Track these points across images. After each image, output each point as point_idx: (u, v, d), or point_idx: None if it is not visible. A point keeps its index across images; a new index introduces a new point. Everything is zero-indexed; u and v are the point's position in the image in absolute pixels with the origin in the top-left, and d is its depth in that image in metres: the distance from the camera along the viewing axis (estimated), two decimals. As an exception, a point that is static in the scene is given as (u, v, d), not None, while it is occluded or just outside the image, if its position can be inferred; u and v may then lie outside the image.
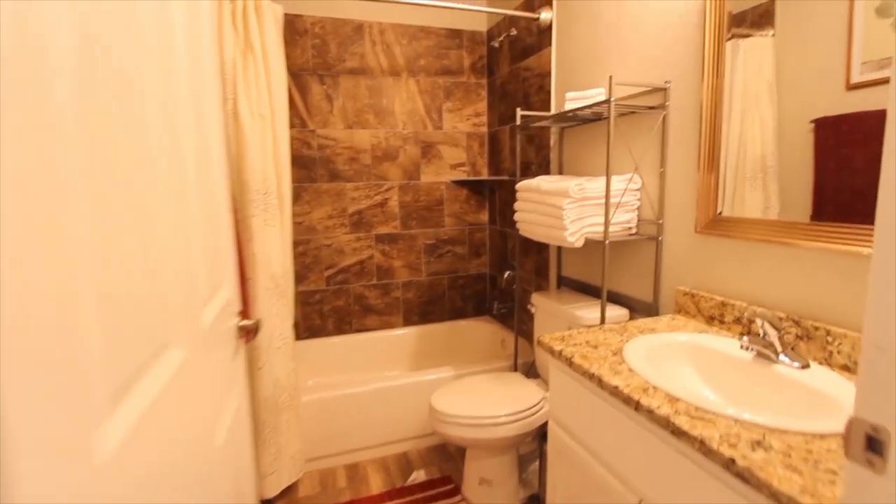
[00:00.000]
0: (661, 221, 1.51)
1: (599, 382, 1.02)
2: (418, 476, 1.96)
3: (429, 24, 2.61)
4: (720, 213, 1.32)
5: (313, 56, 2.40)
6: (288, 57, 2.36)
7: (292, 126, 2.41)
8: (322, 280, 2.57)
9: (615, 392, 0.97)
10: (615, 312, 1.63)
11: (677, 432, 0.81)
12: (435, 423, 1.67)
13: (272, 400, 1.65)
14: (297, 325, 2.53)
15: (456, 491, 1.85)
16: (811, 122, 0.99)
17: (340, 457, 2.07)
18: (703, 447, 0.76)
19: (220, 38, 1.53)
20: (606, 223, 1.43)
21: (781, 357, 1.03)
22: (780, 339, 1.04)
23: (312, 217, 2.51)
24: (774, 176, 1.15)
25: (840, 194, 0.99)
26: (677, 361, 1.17)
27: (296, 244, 2.49)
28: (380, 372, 2.69)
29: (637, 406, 0.91)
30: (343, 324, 2.65)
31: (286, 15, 2.33)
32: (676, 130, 1.44)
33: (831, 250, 1.03)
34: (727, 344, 1.15)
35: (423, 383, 2.13)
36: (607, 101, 1.41)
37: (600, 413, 1.05)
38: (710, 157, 1.31)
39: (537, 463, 1.89)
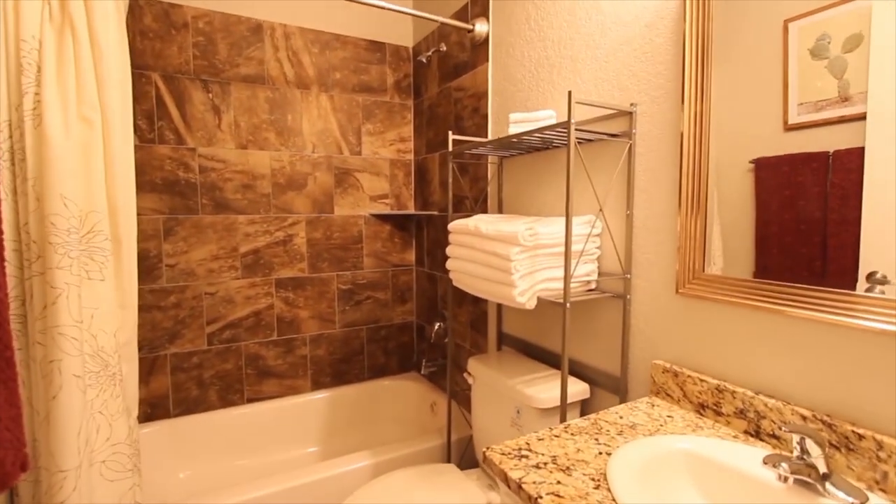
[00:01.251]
0: (628, 276, 1.21)
1: (588, 554, 0.64)
2: None
3: (345, 32, 2.23)
4: (704, 270, 1.03)
5: (195, 56, 1.92)
6: (158, 54, 1.85)
7: (163, 142, 1.88)
8: (202, 339, 2.01)
9: (617, 579, 0.59)
10: (575, 388, 1.29)
11: None
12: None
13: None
14: (159, 403, 1.93)
15: None
16: (750, 161, 0.93)
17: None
18: None
19: (15, 2, 1.03)
20: (567, 279, 1.09)
21: (830, 488, 0.71)
22: (826, 458, 0.73)
23: (190, 258, 1.96)
24: (716, 220, 0.99)
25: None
26: (684, 491, 0.83)
27: (166, 293, 1.92)
28: (281, 453, 2.14)
29: None
30: (231, 393, 2.08)
31: (160, 3, 1.84)
32: (646, 164, 1.16)
33: (827, 323, 0.75)
34: (742, 456, 0.83)
35: (330, 480, 1.63)
36: (565, 124, 1.10)
37: None
38: (696, 197, 1.03)
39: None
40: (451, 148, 1.60)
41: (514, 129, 1.33)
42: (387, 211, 2.37)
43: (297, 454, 2.17)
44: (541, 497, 0.73)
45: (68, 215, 1.06)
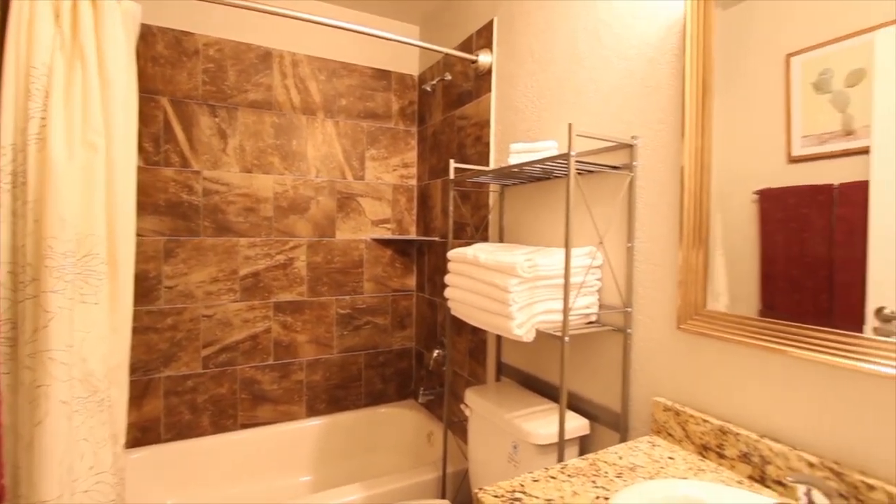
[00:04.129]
0: (629, 310, 1.18)
1: None
2: None
3: (352, 60, 2.28)
4: (706, 307, 1.01)
5: (204, 83, 1.95)
6: (169, 79, 1.89)
7: (169, 164, 1.90)
8: (198, 361, 1.98)
9: None
10: (574, 423, 1.25)
11: None
12: None
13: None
14: (150, 427, 1.90)
15: None
16: (754, 192, 0.92)
17: None
18: None
19: (29, 32, 1.06)
20: (566, 311, 1.07)
21: (841, 544, 0.67)
22: (835, 512, 0.69)
23: (190, 280, 1.95)
24: (720, 252, 0.97)
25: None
26: (684, 540, 0.79)
27: (163, 315, 1.91)
28: (273, 481, 2.09)
29: None
30: (224, 418, 2.04)
31: (172, 31, 1.89)
32: (647, 196, 1.15)
33: (834, 365, 0.73)
34: (745, 502, 0.79)
35: (320, 512, 1.58)
36: (565, 155, 1.10)
37: None
38: (697, 231, 1.02)
39: None
40: (452, 175, 1.61)
41: (514, 159, 1.33)
42: (388, 236, 2.37)
43: (289, 483, 2.11)
44: (533, 546, 0.70)
45: (66, 238, 1.06)
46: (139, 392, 1.87)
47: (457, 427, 2.01)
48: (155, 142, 1.88)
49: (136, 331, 1.86)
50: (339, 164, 2.26)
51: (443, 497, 1.76)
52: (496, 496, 0.83)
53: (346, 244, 2.28)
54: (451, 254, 1.41)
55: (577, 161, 1.14)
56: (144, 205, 1.86)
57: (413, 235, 2.44)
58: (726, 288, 0.97)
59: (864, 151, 0.76)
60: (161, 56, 1.88)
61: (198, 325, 1.97)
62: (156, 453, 1.88)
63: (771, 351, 0.88)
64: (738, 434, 0.92)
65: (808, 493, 0.71)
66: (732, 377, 0.96)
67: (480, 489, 0.85)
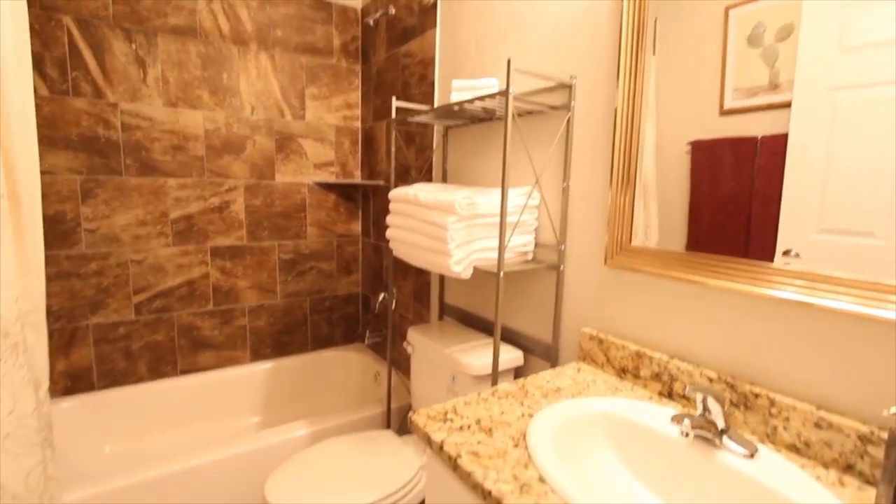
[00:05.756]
0: (563, 247, 1.24)
1: (500, 509, 0.66)
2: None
3: (287, -14, 2.10)
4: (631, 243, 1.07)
5: (115, 2, 1.74)
6: (72, -4, 1.67)
7: (79, 94, 1.71)
8: (129, 308, 1.89)
9: (524, 530, 0.62)
10: (509, 355, 1.32)
11: None
12: (270, 523, 1.19)
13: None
14: (81, 376, 1.82)
15: None
16: (687, 143, 0.95)
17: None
18: None
19: None
20: (501, 249, 1.10)
21: (726, 441, 0.77)
22: (725, 414, 0.78)
23: (114, 223, 1.82)
24: (654, 197, 1.00)
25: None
26: (600, 447, 0.87)
27: (86, 260, 1.78)
28: (219, 424, 2.09)
29: (560, 564, 0.56)
30: (162, 364, 1.99)
31: (70, -64, 1.64)
32: (583, 137, 1.18)
33: (742, 292, 0.81)
34: (653, 415, 0.88)
35: (268, 450, 1.61)
36: (503, 93, 1.09)
37: (499, 548, 0.70)
38: (626, 173, 1.06)
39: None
40: (394, 115, 1.56)
41: (455, 97, 1.30)
42: (332, 179, 2.30)
43: (238, 424, 2.13)
44: (460, 456, 0.75)
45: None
46: (65, 341, 1.78)
47: (402, 365, 2.08)
48: (60, 67, 1.67)
49: (57, 276, 1.74)
50: (277, 101, 2.12)
51: (387, 429, 1.84)
52: (429, 417, 0.87)
53: (287, 187, 2.19)
54: (392, 193, 1.39)
55: (515, 99, 1.13)
56: (54, 139, 1.68)
57: (358, 179, 2.38)
58: (657, 228, 1.03)
59: (787, 105, 0.80)
60: (60, -34, 1.64)
61: (126, 271, 1.87)
62: (90, 401, 1.82)
63: (688, 282, 0.96)
64: (651, 357, 1.01)
65: (704, 401, 0.80)
66: (652, 307, 1.04)
67: (414, 412, 0.90)
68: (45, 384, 1.22)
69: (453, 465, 0.75)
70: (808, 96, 0.77)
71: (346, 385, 2.36)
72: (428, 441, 0.82)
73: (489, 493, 0.68)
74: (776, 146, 0.82)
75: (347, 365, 2.37)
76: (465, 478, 0.73)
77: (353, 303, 2.48)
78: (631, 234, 1.07)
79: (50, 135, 1.67)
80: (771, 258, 0.83)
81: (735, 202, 0.88)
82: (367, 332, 2.27)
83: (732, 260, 0.88)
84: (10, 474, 1.07)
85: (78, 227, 1.76)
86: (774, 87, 0.82)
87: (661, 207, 1.02)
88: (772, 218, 0.83)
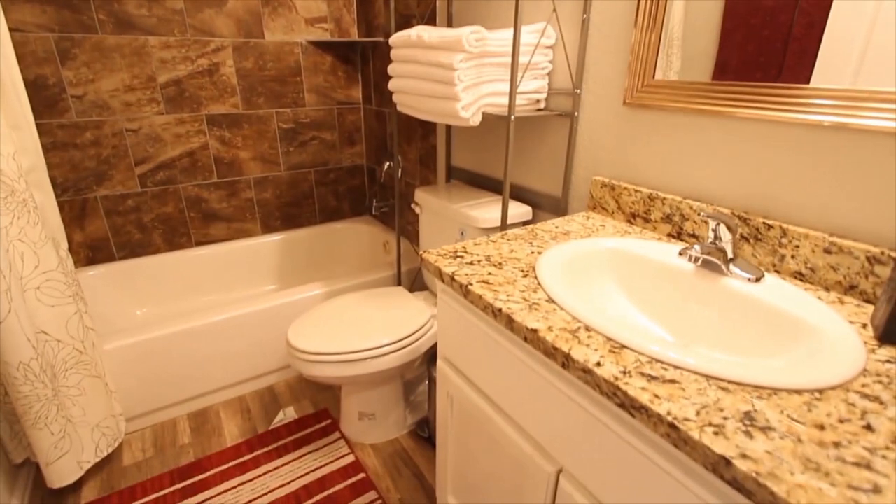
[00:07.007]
0: (578, 91, 1.15)
1: (510, 323, 0.69)
2: (287, 415, 1.63)
3: None
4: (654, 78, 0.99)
5: None
6: None
7: (30, -69, 1.49)
8: (133, 180, 1.87)
9: (533, 338, 0.65)
10: (516, 210, 1.31)
11: (632, 405, 0.52)
12: (295, 362, 1.30)
13: (40, 364, 1.11)
14: (100, 247, 1.87)
15: (333, 427, 1.57)
16: None
17: (182, 405, 1.64)
18: (675, 433, 0.48)
19: None
20: (512, 89, 1.03)
21: (733, 268, 0.78)
22: (735, 245, 0.79)
23: (100, 88, 1.72)
24: (681, 21, 0.86)
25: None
26: (605, 279, 0.89)
27: (80, 129, 1.72)
28: (238, 291, 2.20)
29: (567, 361, 0.60)
30: (177, 236, 2.04)
31: None
32: (608, -46, 1.02)
33: (773, 120, 0.76)
34: (659, 249, 0.89)
35: (286, 306, 1.71)
36: None
37: (507, 360, 0.75)
38: (654, 11, 0.94)
39: (426, 383, 1.67)
40: (390, -56, 1.36)
41: (461, -90, 1.11)
42: (326, 38, 2.11)
43: (255, 291, 2.24)
44: (471, 284, 0.77)
45: None
46: (76, 212, 1.79)
47: (411, 232, 2.11)
48: None
49: (54, 147, 1.69)
50: (256, -60, 1.86)
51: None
52: (440, 255, 0.89)
53: (278, 47, 2.02)
54: (393, 38, 1.27)
55: None
56: (14, -11, 1.51)
57: (355, 37, 2.18)
58: (680, 56, 0.93)
59: None
60: None
61: (123, 141, 1.81)
62: (114, 270, 1.90)
63: (711, 114, 0.90)
64: (664, 198, 1.00)
65: (716, 229, 0.79)
66: (671, 146, 0.99)
67: (425, 251, 0.91)
68: (64, 244, 1.25)
69: (465, 291, 0.78)
70: None
71: (357, 255, 2.43)
72: (439, 274, 0.85)
73: (499, 311, 0.71)
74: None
75: (357, 236, 2.42)
76: (477, 301, 0.75)
77: (359, 174, 2.44)
78: (655, 66, 0.98)
79: (8, -18, 1.50)
80: (808, 74, 0.76)
81: (774, 23, 0.79)
82: (374, 202, 2.27)
83: (765, 85, 0.81)
84: (50, 322, 1.14)
85: (63, 92, 1.66)
86: None
87: (688, 31, 0.92)
88: (814, 40, 0.74)
